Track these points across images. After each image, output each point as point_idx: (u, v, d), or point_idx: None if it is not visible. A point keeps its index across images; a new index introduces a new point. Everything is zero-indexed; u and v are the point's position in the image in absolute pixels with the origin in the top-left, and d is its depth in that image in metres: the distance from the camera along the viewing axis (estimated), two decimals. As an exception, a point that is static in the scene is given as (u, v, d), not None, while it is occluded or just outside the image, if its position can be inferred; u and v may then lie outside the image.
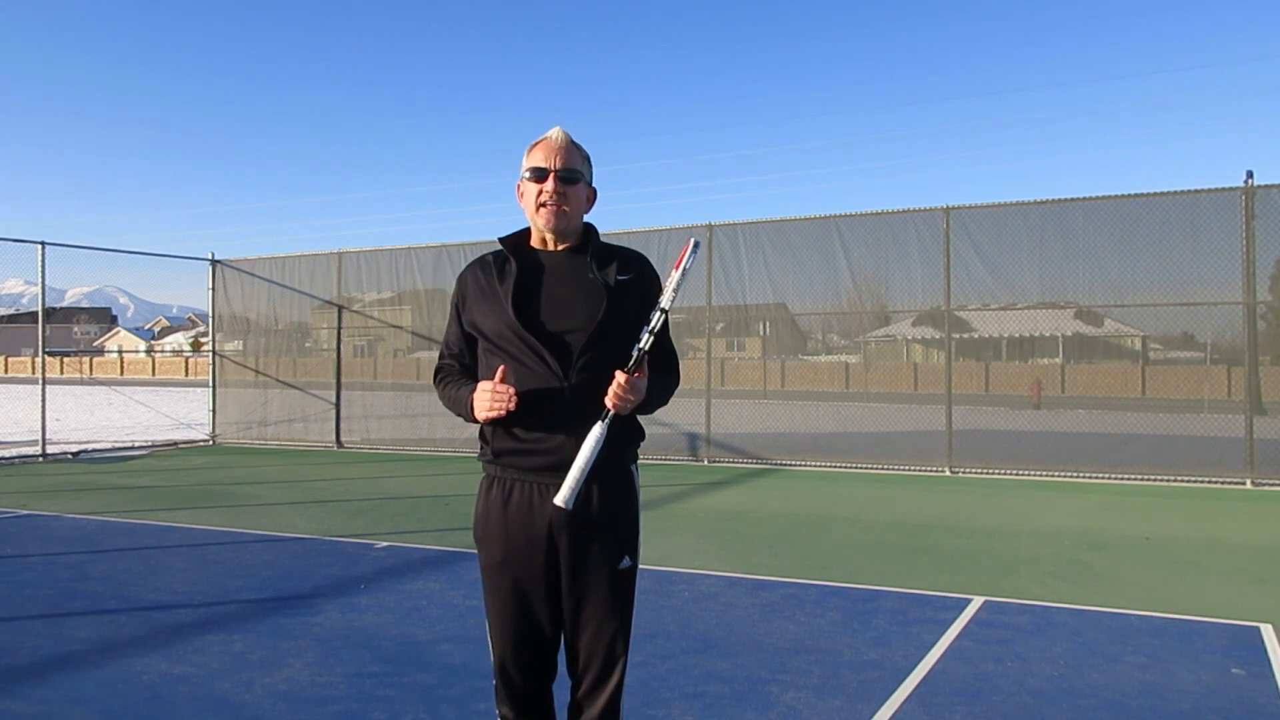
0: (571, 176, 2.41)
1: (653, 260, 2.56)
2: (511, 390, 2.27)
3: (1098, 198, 10.88)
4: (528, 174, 2.43)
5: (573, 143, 2.46)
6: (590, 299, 2.37)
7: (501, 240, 2.51)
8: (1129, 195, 10.63)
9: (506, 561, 2.39)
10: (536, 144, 2.46)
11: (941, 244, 11.30)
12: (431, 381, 2.61)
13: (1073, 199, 10.97)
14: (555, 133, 2.46)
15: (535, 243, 2.49)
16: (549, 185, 2.39)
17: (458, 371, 2.55)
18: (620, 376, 2.27)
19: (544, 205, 2.39)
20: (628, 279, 2.43)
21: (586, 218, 2.54)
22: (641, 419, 2.50)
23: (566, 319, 2.36)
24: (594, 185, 2.54)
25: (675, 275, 2.32)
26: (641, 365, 2.31)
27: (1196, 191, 10.35)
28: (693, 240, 2.40)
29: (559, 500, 2.25)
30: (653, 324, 2.32)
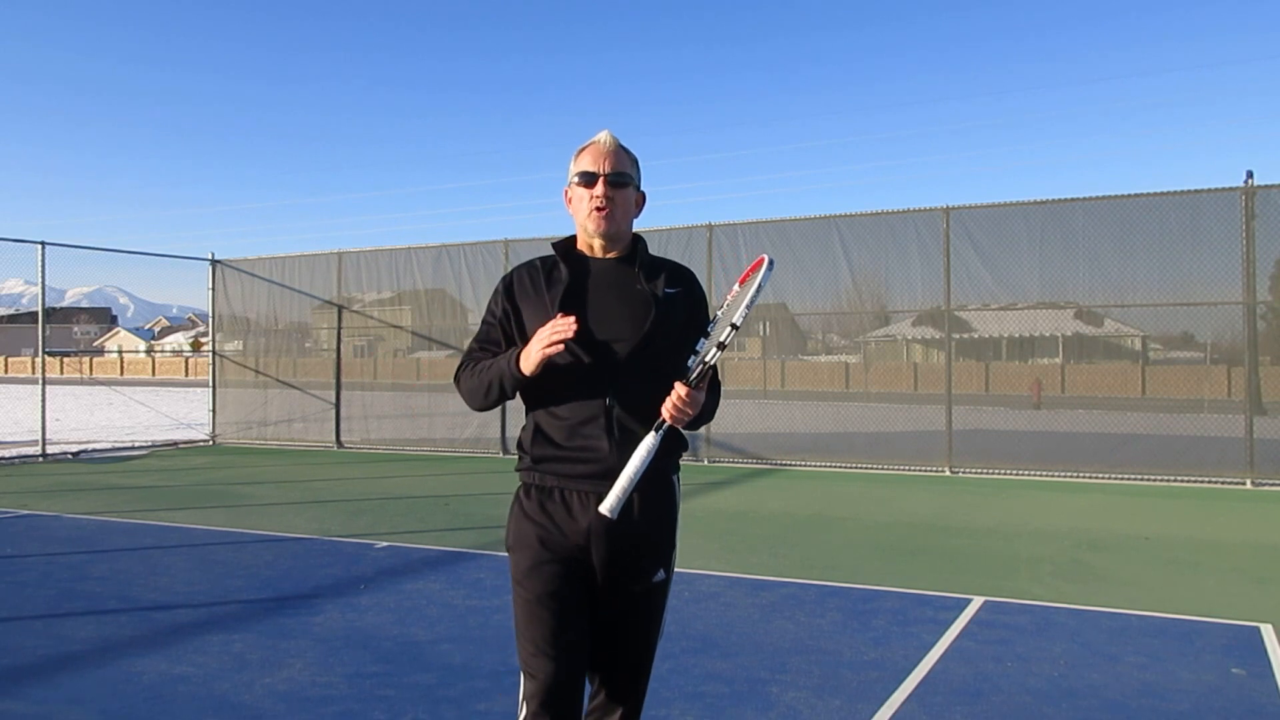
0: (621, 180, 2.37)
1: None
2: (573, 319, 2.20)
3: (1098, 198, 10.88)
4: (576, 179, 2.38)
5: (621, 146, 2.41)
6: (638, 309, 2.33)
7: (554, 245, 2.46)
8: (1129, 195, 10.63)
9: (539, 568, 2.30)
10: (584, 148, 2.42)
11: (941, 244, 11.31)
12: (452, 379, 2.52)
13: (1073, 199, 10.97)
14: (603, 136, 2.41)
15: (583, 249, 2.45)
16: (599, 190, 2.34)
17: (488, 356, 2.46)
18: (681, 389, 2.21)
19: (595, 210, 2.34)
20: (676, 292, 2.38)
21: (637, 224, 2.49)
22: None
23: (613, 328, 2.31)
24: (642, 189, 2.49)
25: (750, 292, 2.24)
26: (705, 379, 2.24)
27: (1196, 191, 10.35)
28: (767, 258, 2.30)
29: (604, 509, 2.19)
30: (724, 338, 2.22)
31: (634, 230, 2.49)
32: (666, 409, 2.21)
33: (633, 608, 2.34)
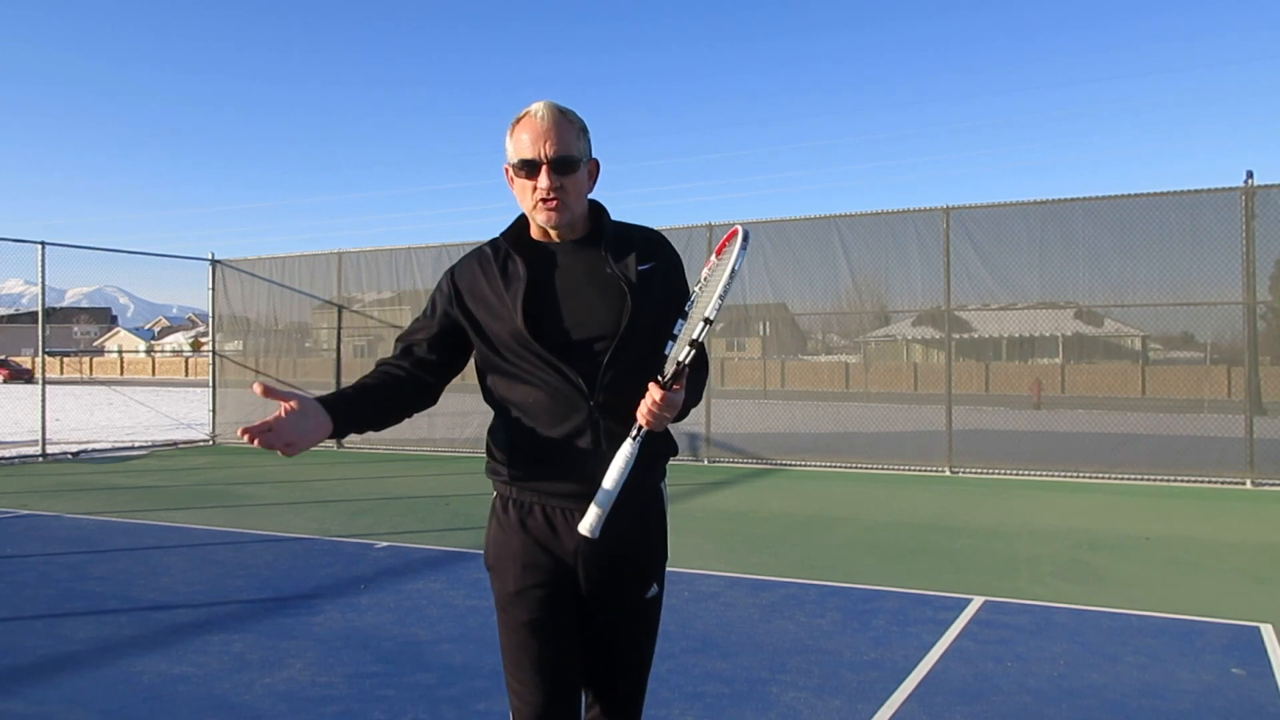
0: (567, 163, 2.02)
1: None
2: (248, 434, 1.84)
3: (1098, 198, 10.89)
4: (515, 166, 2.05)
5: (562, 116, 2.04)
6: (611, 299, 2.04)
7: (503, 236, 2.15)
8: (1129, 195, 10.64)
9: (525, 591, 2.10)
10: (519, 122, 2.05)
11: (941, 244, 11.31)
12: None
13: (1073, 199, 10.98)
14: (539, 110, 2.03)
15: (537, 234, 2.13)
16: (543, 181, 2.01)
17: (390, 370, 2.15)
18: (655, 392, 1.94)
19: (541, 202, 2.03)
20: (649, 268, 2.08)
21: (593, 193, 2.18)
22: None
23: (586, 326, 2.03)
24: (594, 156, 2.13)
25: (723, 279, 1.96)
26: (680, 378, 1.96)
27: (1196, 191, 10.35)
28: (740, 229, 2.00)
29: (584, 529, 1.96)
30: (697, 335, 1.94)
31: (594, 200, 2.17)
32: (642, 415, 1.96)
33: (627, 625, 2.16)
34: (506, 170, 2.10)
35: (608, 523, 1.98)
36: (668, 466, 2.27)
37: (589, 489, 1.98)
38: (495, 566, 2.15)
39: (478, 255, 2.16)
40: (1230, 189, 10.16)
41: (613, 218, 2.19)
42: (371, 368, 2.21)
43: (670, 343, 2.01)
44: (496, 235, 2.18)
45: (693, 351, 1.95)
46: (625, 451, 1.96)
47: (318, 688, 3.95)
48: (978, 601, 5.28)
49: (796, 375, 15.05)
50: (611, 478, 1.96)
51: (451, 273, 2.18)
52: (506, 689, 2.17)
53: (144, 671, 4.16)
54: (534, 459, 2.07)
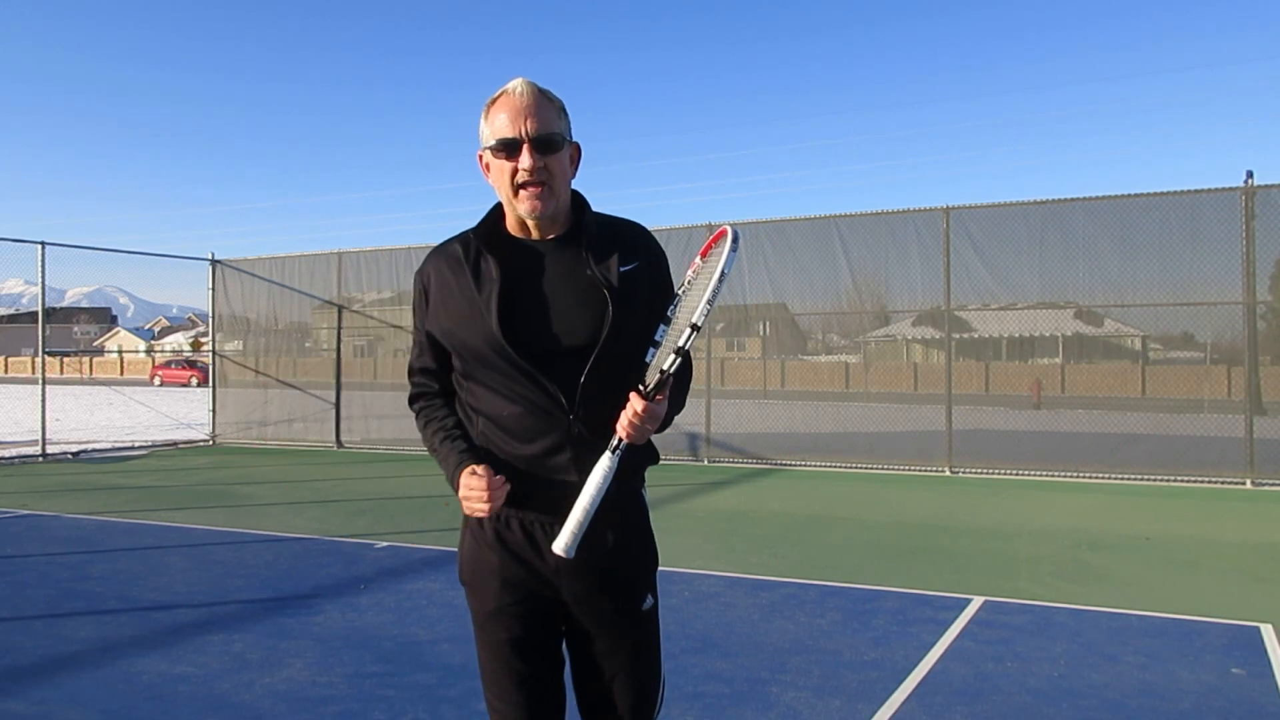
0: (550, 142, 1.90)
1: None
2: (488, 490, 1.87)
3: (1098, 198, 10.89)
4: (494, 147, 1.91)
5: (542, 95, 1.92)
6: (592, 305, 1.90)
7: (474, 233, 2.00)
8: (1129, 195, 10.64)
9: (504, 609, 2.00)
10: (495, 102, 1.92)
11: (941, 244, 11.31)
12: (408, 402, 2.22)
13: (1073, 199, 10.98)
14: (518, 86, 1.91)
15: (514, 229, 1.99)
16: (525, 161, 1.88)
17: (437, 401, 2.11)
18: (637, 403, 1.83)
19: (523, 188, 1.90)
20: (632, 269, 1.95)
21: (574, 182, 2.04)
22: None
23: (565, 335, 1.90)
24: (574, 140, 2.00)
25: (712, 283, 1.84)
26: (664, 388, 1.85)
27: (1196, 191, 10.36)
28: (730, 231, 1.89)
29: (558, 548, 1.85)
30: (683, 343, 1.82)
31: (576, 191, 2.04)
32: (623, 427, 1.85)
33: (625, 644, 2.02)
34: (481, 157, 1.98)
35: (586, 538, 1.87)
36: (648, 470, 2.16)
37: (568, 505, 1.87)
38: (471, 583, 2.04)
39: (446, 255, 2.03)
40: (1230, 189, 10.15)
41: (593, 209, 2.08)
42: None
43: (653, 350, 1.90)
44: (472, 235, 2.03)
45: (678, 360, 1.83)
46: (603, 466, 1.85)
47: (318, 688, 3.95)
48: (978, 601, 5.28)
49: (796, 375, 15.06)
50: (588, 494, 1.85)
51: (421, 278, 2.07)
52: (486, 708, 2.10)
53: (144, 671, 4.16)
54: (508, 474, 1.94)
